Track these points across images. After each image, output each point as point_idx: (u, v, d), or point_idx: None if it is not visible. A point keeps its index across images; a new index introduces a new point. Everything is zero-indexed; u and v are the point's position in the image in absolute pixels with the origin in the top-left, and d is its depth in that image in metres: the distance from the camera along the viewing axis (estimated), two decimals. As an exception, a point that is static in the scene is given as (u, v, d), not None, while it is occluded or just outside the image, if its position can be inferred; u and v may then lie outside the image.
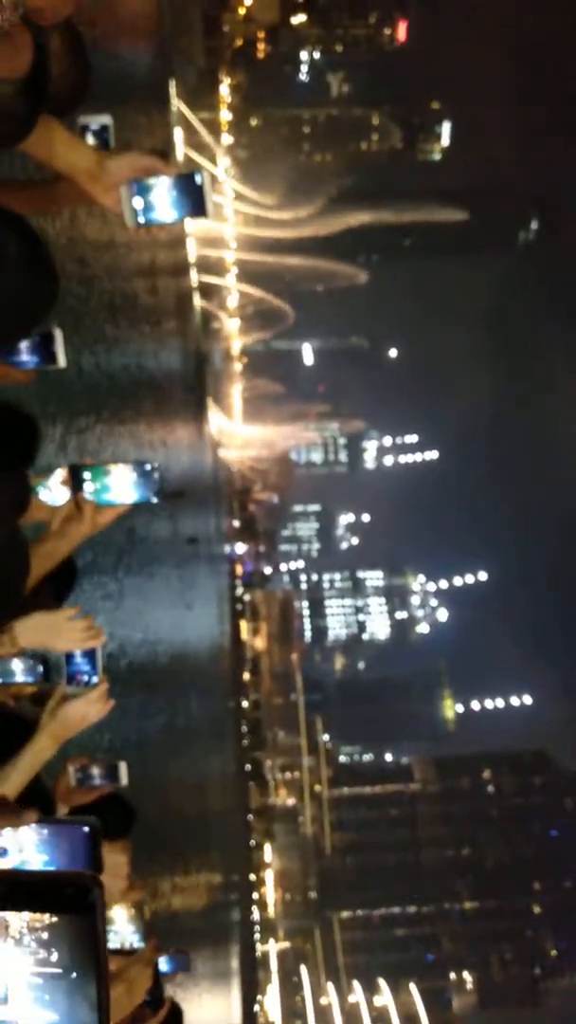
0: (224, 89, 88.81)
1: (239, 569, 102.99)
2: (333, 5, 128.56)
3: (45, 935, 0.87)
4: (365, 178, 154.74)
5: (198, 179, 2.07)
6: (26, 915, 0.88)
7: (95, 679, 2.63)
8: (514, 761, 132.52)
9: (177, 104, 49.87)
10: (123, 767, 2.88)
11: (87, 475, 2.54)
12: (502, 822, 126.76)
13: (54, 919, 0.87)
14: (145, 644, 15.25)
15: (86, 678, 2.63)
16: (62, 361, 2.75)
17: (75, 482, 2.55)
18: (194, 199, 2.08)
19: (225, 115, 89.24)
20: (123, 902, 3.06)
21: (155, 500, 2.54)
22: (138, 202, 2.08)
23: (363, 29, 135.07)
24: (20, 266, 2.05)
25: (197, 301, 57.88)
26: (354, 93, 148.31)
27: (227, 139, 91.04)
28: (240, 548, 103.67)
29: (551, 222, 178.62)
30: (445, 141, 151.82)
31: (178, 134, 50.59)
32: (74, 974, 0.87)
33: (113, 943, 3.04)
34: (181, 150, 52.76)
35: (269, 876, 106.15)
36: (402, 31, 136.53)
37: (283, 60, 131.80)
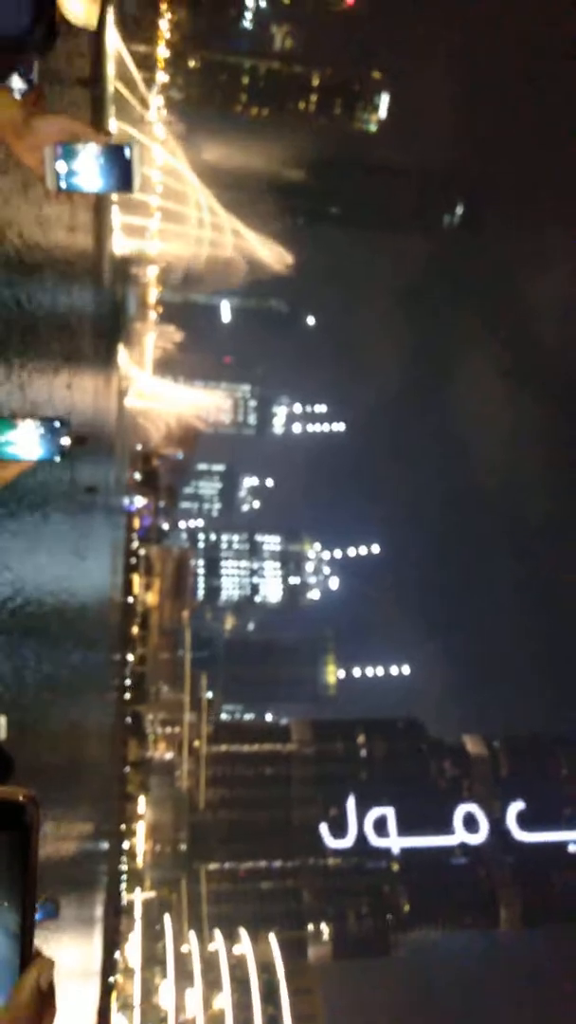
0: (164, 24, 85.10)
1: (137, 522, 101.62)
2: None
3: None
4: (299, 139, 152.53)
5: (127, 152, 2.01)
6: None
7: None
8: (388, 727, 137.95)
9: (112, 33, 47.50)
10: (1, 720, 2.87)
11: None
12: (371, 785, 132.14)
13: None
14: (32, 591, 14.93)
15: None
16: None
17: None
18: (121, 172, 2.02)
19: (163, 51, 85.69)
20: None
21: (59, 459, 2.47)
22: (62, 166, 2.01)
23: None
24: None
25: (117, 243, 55.96)
26: (297, 50, 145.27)
27: (163, 77, 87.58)
28: (140, 501, 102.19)
29: (476, 210, 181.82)
30: (383, 113, 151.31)
31: (110, 66, 48.26)
32: None
33: None
34: (111, 84, 50.41)
35: (141, 827, 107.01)
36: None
37: (228, 3, 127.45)
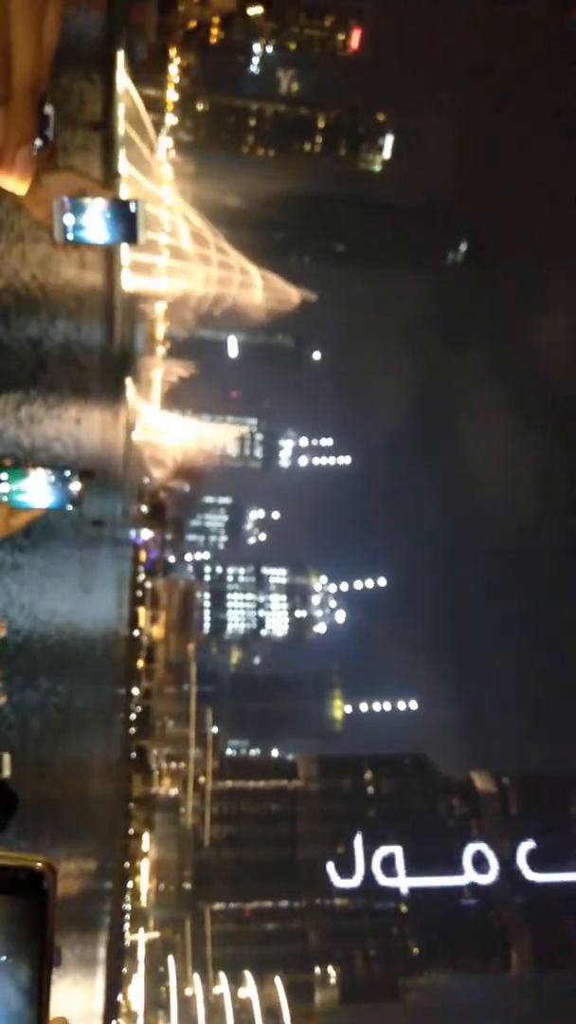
0: (173, 69, 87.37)
1: (143, 555, 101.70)
2: (291, 2, 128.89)
3: None
4: (304, 179, 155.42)
5: (132, 207, 2.08)
6: None
7: None
8: (395, 764, 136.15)
9: (123, 77, 48.83)
10: (6, 758, 2.91)
11: (4, 476, 2.57)
12: (378, 823, 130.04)
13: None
14: (36, 625, 14.94)
15: None
16: None
17: None
18: (126, 225, 2.09)
19: (172, 95, 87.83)
20: None
21: (70, 507, 2.56)
22: (69, 219, 2.07)
23: (318, 31, 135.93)
24: None
25: (126, 279, 56.85)
26: (302, 93, 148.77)
27: (171, 119, 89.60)
28: (146, 534, 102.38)
29: (479, 248, 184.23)
30: (387, 154, 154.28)
31: (120, 109, 49.55)
32: (6, 957, 0.88)
33: None
34: (121, 126, 51.72)
35: (145, 865, 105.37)
36: (356, 39, 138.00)
37: (235, 49, 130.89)
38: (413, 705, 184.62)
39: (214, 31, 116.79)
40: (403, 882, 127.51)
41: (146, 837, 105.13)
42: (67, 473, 2.57)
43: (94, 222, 2.08)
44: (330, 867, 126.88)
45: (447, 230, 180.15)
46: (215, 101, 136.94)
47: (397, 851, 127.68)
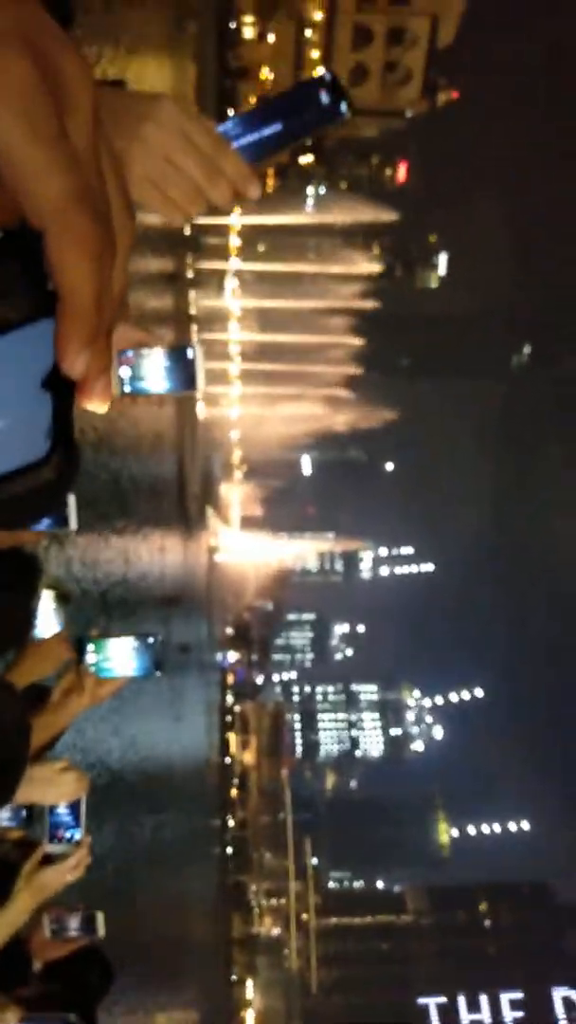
0: (234, 215, 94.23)
1: (231, 678, 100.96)
2: (339, 147, 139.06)
3: None
4: (364, 301, 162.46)
5: (190, 354, 1.98)
6: None
7: (77, 835, 2.59)
8: (512, 893, 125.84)
9: (187, 230, 52.84)
10: (100, 917, 2.76)
11: (91, 647, 2.58)
12: (499, 960, 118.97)
13: None
14: (128, 757, 14.77)
15: (68, 833, 2.58)
16: (74, 525, 2.78)
17: (79, 653, 2.60)
18: (185, 374, 2.00)
19: (234, 241, 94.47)
20: None
21: (157, 674, 2.59)
22: (124, 371, 1.98)
23: (366, 169, 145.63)
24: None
25: (201, 412, 59.51)
26: (355, 225, 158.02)
27: (235, 263, 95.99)
28: (232, 656, 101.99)
29: (544, 347, 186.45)
30: (442, 271, 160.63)
31: (188, 257, 53.44)
32: None
33: None
34: (190, 271, 55.58)
35: (251, 1016, 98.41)
36: (402, 172, 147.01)
37: (291, 194, 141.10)
38: (525, 825, 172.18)
39: (270, 182, 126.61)
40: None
41: (249, 984, 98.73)
42: (150, 639, 2.57)
43: (151, 373, 1.98)
44: (452, 1012, 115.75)
45: (509, 334, 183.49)
46: (274, 242, 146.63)
47: (524, 993, 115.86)
